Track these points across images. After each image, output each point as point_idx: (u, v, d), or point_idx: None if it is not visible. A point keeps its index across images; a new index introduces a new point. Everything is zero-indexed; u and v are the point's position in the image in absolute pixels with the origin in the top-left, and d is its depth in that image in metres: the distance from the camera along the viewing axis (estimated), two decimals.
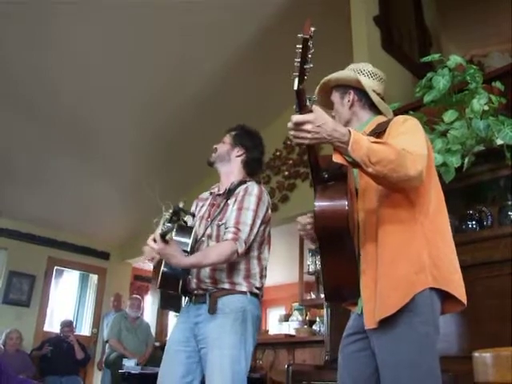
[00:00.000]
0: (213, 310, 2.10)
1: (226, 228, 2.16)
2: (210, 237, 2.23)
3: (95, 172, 6.46)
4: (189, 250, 2.12)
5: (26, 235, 7.07)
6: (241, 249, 2.09)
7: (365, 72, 1.87)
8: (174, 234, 1.92)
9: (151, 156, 6.36)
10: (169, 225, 1.85)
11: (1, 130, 5.50)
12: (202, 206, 2.43)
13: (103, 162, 6.36)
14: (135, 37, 4.77)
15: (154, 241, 1.91)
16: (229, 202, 2.28)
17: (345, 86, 1.88)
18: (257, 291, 2.21)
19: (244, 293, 2.15)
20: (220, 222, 2.22)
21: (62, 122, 5.58)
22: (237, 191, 2.29)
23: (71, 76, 5.06)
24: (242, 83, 5.52)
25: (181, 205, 2.06)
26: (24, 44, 4.61)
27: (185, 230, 2.21)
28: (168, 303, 2.33)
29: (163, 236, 1.88)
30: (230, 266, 2.16)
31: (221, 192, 2.36)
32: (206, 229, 2.24)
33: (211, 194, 2.45)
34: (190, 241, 2.15)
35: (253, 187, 2.27)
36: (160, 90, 5.39)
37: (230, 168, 2.40)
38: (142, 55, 4.98)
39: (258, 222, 2.20)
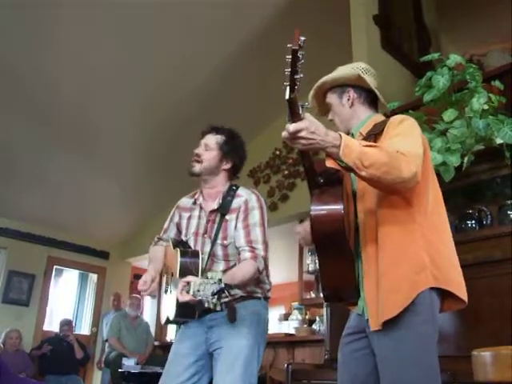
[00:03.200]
0: (233, 318, 2.06)
1: (238, 247, 2.13)
2: (215, 256, 2.18)
3: (95, 171, 6.46)
4: (200, 274, 2.06)
5: (25, 234, 7.07)
6: (261, 266, 2.09)
7: (360, 69, 1.85)
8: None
9: (151, 155, 6.36)
10: (209, 297, 1.74)
11: (1, 130, 5.50)
12: (189, 219, 2.31)
13: (103, 161, 6.36)
14: (135, 36, 4.77)
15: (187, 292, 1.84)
16: (227, 217, 2.19)
17: (342, 86, 1.86)
18: (269, 295, 2.23)
19: (259, 298, 2.18)
20: (226, 242, 2.16)
21: (62, 121, 5.58)
22: (234, 206, 2.20)
23: (71, 75, 5.05)
24: (243, 81, 5.52)
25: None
26: (24, 43, 4.61)
27: (190, 256, 2.14)
28: (173, 321, 2.30)
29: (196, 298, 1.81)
30: None
31: (215, 207, 2.23)
32: (211, 248, 2.17)
33: (195, 203, 2.32)
34: (199, 262, 2.10)
35: (251, 199, 2.21)
36: (160, 89, 5.39)
37: (216, 181, 2.28)
38: (142, 54, 4.97)
39: (267, 232, 2.19)
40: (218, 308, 1.79)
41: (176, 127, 5.84)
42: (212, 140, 2.28)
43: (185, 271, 2.03)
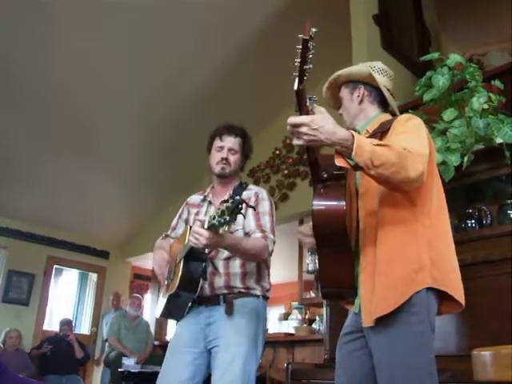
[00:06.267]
0: (230, 312, 2.10)
1: (248, 232, 2.17)
2: None
3: (95, 171, 6.46)
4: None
5: (25, 234, 7.08)
6: (271, 247, 2.13)
7: (375, 68, 1.87)
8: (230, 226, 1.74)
9: (151, 155, 6.36)
10: (226, 217, 1.68)
11: (0, 130, 5.50)
12: (196, 214, 2.38)
13: (103, 160, 6.36)
14: (135, 37, 4.77)
15: (203, 227, 1.83)
16: None
17: (355, 82, 1.88)
18: (268, 295, 2.25)
19: (257, 296, 2.20)
20: (231, 229, 2.17)
21: (62, 121, 5.58)
22: (244, 196, 2.23)
23: (71, 76, 5.05)
24: (242, 82, 5.52)
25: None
26: (23, 44, 4.61)
27: None
28: (171, 312, 2.28)
29: (213, 226, 1.77)
30: (243, 271, 2.17)
31: (225, 198, 2.29)
32: None
33: (204, 199, 2.40)
34: (206, 251, 2.12)
35: (262, 192, 2.32)
36: (159, 90, 5.39)
37: (233, 178, 2.39)
38: (141, 55, 4.97)
39: (274, 223, 2.26)
40: (233, 226, 1.75)
41: (175, 127, 5.85)
42: (235, 144, 2.36)
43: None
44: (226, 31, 4.96)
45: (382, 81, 1.85)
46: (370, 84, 1.86)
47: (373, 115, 1.85)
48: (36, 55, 4.77)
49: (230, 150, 2.34)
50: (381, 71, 1.87)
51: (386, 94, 1.83)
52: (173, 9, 4.51)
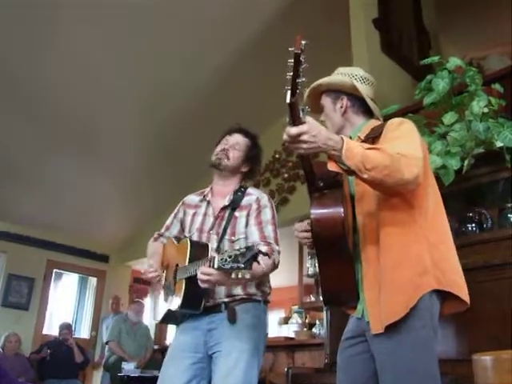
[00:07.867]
0: (233, 320, 2.06)
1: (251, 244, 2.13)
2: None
3: (95, 175, 6.45)
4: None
5: (25, 238, 7.07)
6: (277, 260, 2.09)
7: (357, 77, 1.84)
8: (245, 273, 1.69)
9: (151, 158, 6.36)
10: (241, 265, 1.64)
11: (0, 132, 5.50)
12: (194, 215, 2.33)
13: (103, 164, 6.36)
14: (135, 37, 4.78)
15: (212, 267, 1.79)
16: (237, 214, 2.21)
17: (336, 91, 1.85)
18: (269, 299, 2.23)
19: (259, 302, 2.17)
20: (234, 238, 2.17)
21: (62, 123, 5.58)
22: (244, 203, 2.23)
23: (71, 76, 5.06)
24: (242, 84, 5.53)
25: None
26: (24, 44, 4.62)
27: (199, 246, 2.14)
28: (170, 318, 2.25)
29: (225, 270, 1.72)
30: None
31: (226, 204, 2.25)
32: (218, 244, 2.16)
33: (203, 200, 2.34)
34: (208, 253, 2.07)
35: (263, 197, 2.25)
36: (160, 90, 5.39)
37: (231, 180, 2.32)
38: (141, 55, 4.98)
39: (277, 231, 2.21)
40: (248, 276, 1.70)
41: (176, 129, 5.84)
42: (242, 141, 2.33)
43: (194, 259, 2.01)
44: (227, 32, 4.97)
45: (365, 90, 1.82)
46: (352, 94, 1.82)
47: (360, 123, 1.82)
48: (36, 55, 4.77)
49: (233, 145, 2.30)
50: (362, 80, 1.84)
51: (371, 104, 1.81)
52: (173, 9, 4.52)
